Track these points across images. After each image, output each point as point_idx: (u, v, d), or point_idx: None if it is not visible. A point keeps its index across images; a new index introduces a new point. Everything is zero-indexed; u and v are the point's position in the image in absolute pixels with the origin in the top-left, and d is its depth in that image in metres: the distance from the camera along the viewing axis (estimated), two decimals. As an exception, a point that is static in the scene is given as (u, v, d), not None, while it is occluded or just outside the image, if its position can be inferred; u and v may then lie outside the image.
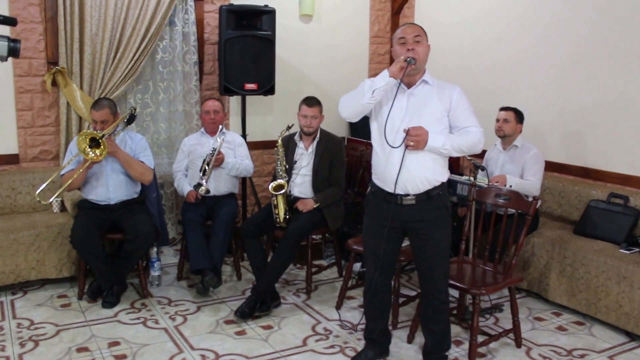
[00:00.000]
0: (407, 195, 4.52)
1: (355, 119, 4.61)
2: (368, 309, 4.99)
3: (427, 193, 4.51)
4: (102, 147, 5.88)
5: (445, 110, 4.49)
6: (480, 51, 7.93)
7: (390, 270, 4.89)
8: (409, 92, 4.51)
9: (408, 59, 4.31)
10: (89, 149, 5.89)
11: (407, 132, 4.37)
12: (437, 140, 4.38)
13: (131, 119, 6.47)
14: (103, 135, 5.88)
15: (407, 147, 4.39)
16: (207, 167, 6.51)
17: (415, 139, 4.35)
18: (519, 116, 6.53)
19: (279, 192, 6.25)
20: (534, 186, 6.26)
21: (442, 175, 4.59)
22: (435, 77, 4.61)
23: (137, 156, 6.30)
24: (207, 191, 6.47)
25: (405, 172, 4.45)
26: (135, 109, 6.55)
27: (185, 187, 6.79)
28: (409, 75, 4.41)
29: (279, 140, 6.44)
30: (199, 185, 6.44)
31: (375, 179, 4.68)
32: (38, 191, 6.02)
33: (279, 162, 6.42)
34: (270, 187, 6.29)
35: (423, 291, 4.83)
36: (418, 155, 4.43)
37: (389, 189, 4.53)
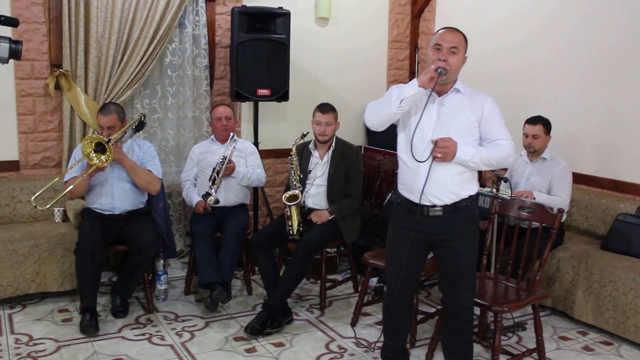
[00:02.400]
0: (434, 206, 4.56)
1: (382, 128, 4.63)
2: (387, 325, 4.99)
3: (455, 205, 4.55)
4: (107, 152, 5.91)
5: (477, 120, 4.53)
6: (503, 57, 7.95)
7: (413, 284, 4.91)
8: (440, 100, 4.55)
9: (439, 70, 4.33)
10: (94, 154, 5.92)
11: (436, 143, 4.41)
12: (466, 153, 4.42)
13: (140, 125, 6.52)
14: (109, 140, 5.92)
15: (434, 158, 4.43)
16: (216, 176, 6.56)
17: (443, 151, 4.39)
18: (547, 127, 6.54)
19: (293, 203, 6.31)
20: (562, 202, 6.28)
21: (470, 188, 4.62)
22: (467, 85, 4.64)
23: (145, 165, 6.37)
24: (217, 201, 6.52)
25: (431, 184, 4.49)
26: (144, 116, 6.59)
27: (194, 197, 6.85)
28: (440, 84, 4.44)
29: (293, 149, 6.49)
30: (208, 195, 6.49)
31: (402, 189, 4.71)
32: (34, 197, 6.04)
33: (292, 172, 6.48)
34: (283, 197, 6.36)
35: (446, 307, 4.86)
36: (445, 167, 4.47)
37: (415, 199, 4.57)
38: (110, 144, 5.91)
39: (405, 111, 4.49)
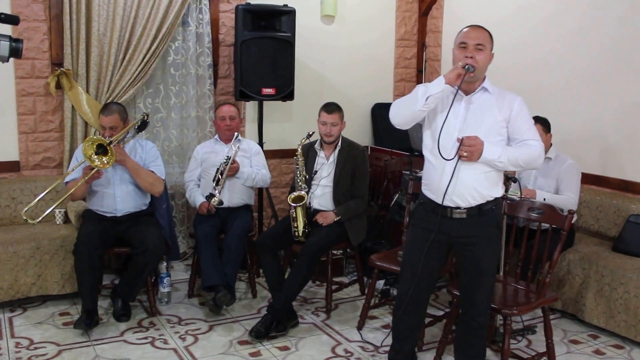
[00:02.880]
0: (458, 208, 4.57)
1: (407, 126, 4.66)
2: (397, 326, 4.98)
3: (479, 207, 4.56)
4: (109, 154, 5.90)
5: (505, 120, 4.53)
6: (511, 51, 7.86)
7: (428, 286, 4.90)
8: (467, 99, 4.56)
9: (466, 66, 4.34)
10: (95, 156, 5.91)
11: (461, 141, 4.41)
12: (492, 152, 4.42)
13: (143, 125, 6.54)
14: (111, 142, 5.91)
15: (460, 157, 4.44)
16: (220, 177, 6.57)
17: (469, 150, 4.39)
18: (545, 126, 6.49)
19: (299, 204, 6.32)
20: (570, 201, 6.28)
21: (495, 190, 4.63)
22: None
23: (148, 165, 6.38)
24: (220, 202, 6.53)
25: (456, 184, 4.49)
26: (147, 115, 6.61)
27: (197, 198, 6.86)
28: (468, 82, 4.45)
29: (299, 149, 6.50)
30: (212, 196, 6.50)
31: (426, 189, 4.73)
32: (25, 210, 5.93)
33: (298, 172, 6.48)
34: (289, 198, 6.36)
35: (462, 311, 4.88)
36: (471, 166, 4.48)
37: (439, 200, 4.57)
38: (111, 145, 5.90)
39: (432, 109, 4.51)
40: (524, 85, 7.66)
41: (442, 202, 4.53)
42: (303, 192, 6.38)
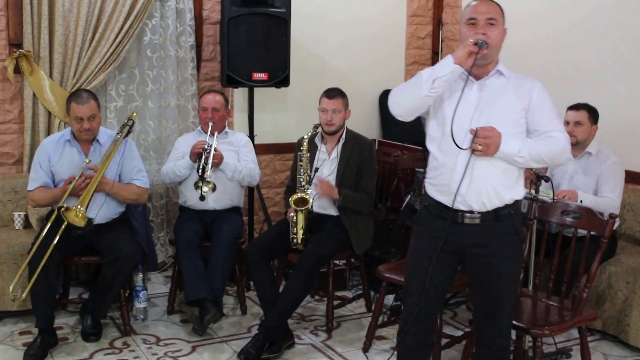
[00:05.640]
0: (471, 212, 4.46)
1: (409, 117, 4.55)
2: (403, 349, 4.89)
3: (496, 212, 4.46)
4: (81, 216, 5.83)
5: (524, 109, 4.43)
6: (539, 25, 7.82)
7: (437, 303, 4.81)
8: (480, 84, 4.45)
9: (479, 42, 4.23)
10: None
11: (475, 133, 4.31)
12: (511, 146, 4.31)
13: (129, 131, 6.45)
14: (89, 221, 5.82)
15: (473, 151, 4.32)
16: (205, 166, 6.46)
17: (484, 142, 4.27)
18: (593, 115, 6.48)
19: (301, 208, 6.26)
20: (612, 205, 6.24)
21: (515, 191, 4.53)
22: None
23: (126, 175, 6.35)
24: (214, 188, 6.43)
25: (469, 183, 4.38)
26: (133, 122, 6.51)
27: (183, 160, 6.79)
28: (479, 64, 4.35)
29: (304, 143, 6.44)
30: (203, 180, 6.34)
31: (432, 190, 4.62)
32: (13, 285, 5.84)
33: (302, 170, 6.40)
34: (290, 200, 6.28)
35: (479, 333, 4.80)
36: (487, 162, 4.37)
37: (449, 202, 4.45)
38: (83, 212, 5.77)
39: (437, 97, 4.42)
40: (555, 66, 7.58)
41: (453, 204, 4.43)
42: (307, 195, 6.30)
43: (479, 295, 4.67)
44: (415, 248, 4.74)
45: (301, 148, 6.43)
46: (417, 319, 4.68)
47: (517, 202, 4.53)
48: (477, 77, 4.43)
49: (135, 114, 6.69)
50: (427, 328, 4.82)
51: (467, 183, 4.37)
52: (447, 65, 4.26)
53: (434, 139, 4.55)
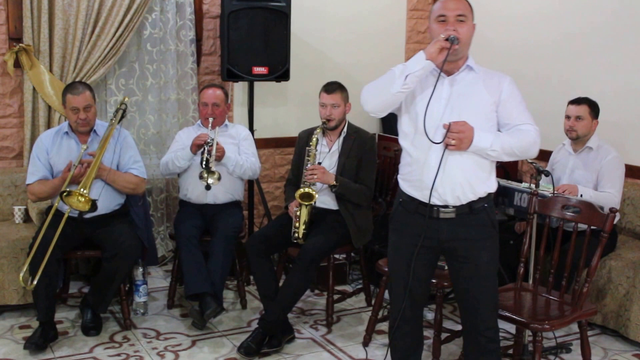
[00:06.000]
0: (446, 207, 4.48)
1: (382, 113, 4.58)
2: (396, 349, 4.91)
3: (470, 206, 4.49)
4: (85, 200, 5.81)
5: (494, 103, 4.46)
6: (540, 26, 7.85)
7: (422, 298, 4.84)
8: (451, 79, 4.48)
9: (450, 37, 4.25)
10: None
11: (448, 127, 4.33)
12: (484, 140, 4.34)
13: (122, 117, 6.44)
14: (94, 203, 5.83)
15: (447, 146, 4.34)
16: (209, 157, 6.45)
17: (458, 136, 4.30)
18: (594, 110, 6.48)
19: (306, 203, 6.26)
20: (612, 200, 6.25)
21: (488, 184, 4.56)
22: (481, 60, 4.56)
23: (124, 165, 6.34)
24: (219, 177, 6.43)
25: (443, 178, 4.40)
26: (125, 107, 6.51)
27: (184, 150, 6.77)
28: (450, 60, 4.36)
29: (314, 137, 6.43)
30: (208, 170, 6.36)
31: (406, 185, 4.63)
32: (22, 272, 5.83)
33: (309, 165, 6.39)
34: (296, 193, 6.26)
35: (466, 327, 4.79)
36: (460, 157, 4.39)
37: (424, 197, 4.48)
38: (87, 194, 5.76)
39: (409, 93, 4.44)
40: (559, 67, 7.60)
41: (430, 199, 4.44)
42: (313, 191, 6.26)
43: (461, 288, 4.68)
44: (395, 245, 4.77)
45: (310, 143, 6.42)
46: (404, 316, 4.72)
47: (490, 195, 4.57)
48: (448, 73, 4.46)
49: (127, 98, 6.73)
50: (415, 323, 4.85)
51: (441, 178, 4.39)
52: (419, 61, 4.29)
53: (407, 135, 4.58)
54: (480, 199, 4.49)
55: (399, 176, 4.70)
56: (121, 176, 6.26)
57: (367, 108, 4.56)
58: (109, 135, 6.17)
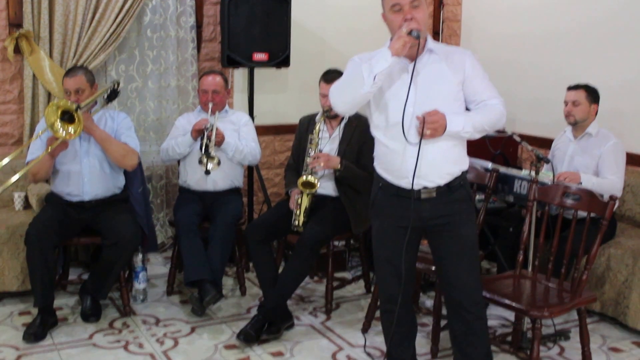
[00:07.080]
0: (425, 188, 4.53)
1: (353, 111, 4.69)
2: (394, 333, 4.89)
3: (448, 185, 4.55)
4: (76, 122, 5.72)
5: (460, 82, 4.51)
6: (541, 16, 7.86)
7: (410, 279, 4.83)
8: (415, 67, 4.45)
9: (413, 33, 4.24)
10: (60, 124, 5.72)
11: (422, 120, 4.35)
12: (456, 124, 4.40)
13: (113, 94, 6.41)
14: (78, 107, 5.76)
15: (422, 136, 4.37)
16: (208, 142, 6.46)
17: (432, 126, 4.34)
18: (592, 95, 6.47)
19: (308, 191, 6.27)
20: (615, 186, 6.26)
21: (462, 163, 4.64)
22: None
23: (119, 137, 6.32)
24: (219, 162, 6.46)
25: (423, 166, 4.45)
26: (118, 84, 6.49)
27: (183, 138, 6.78)
28: (412, 46, 4.36)
29: (318, 125, 6.43)
30: (208, 155, 6.38)
31: (384, 173, 4.68)
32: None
33: (311, 151, 6.40)
34: (298, 181, 6.27)
35: (451, 305, 4.79)
36: (437, 143, 4.44)
37: (404, 184, 4.53)
38: (79, 112, 5.74)
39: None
40: (558, 56, 7.59)
41: (412, 186, 4.48)
42: (315, 179, 6.28)
43: (446, 263, 4.69)
44: (379, 229, 4.80)
45: (314, 130, 6.42)
46: (395, 299, 4.72)
47: (464, 173, 4.64)
48: (410, 58, 4.46)
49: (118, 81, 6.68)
50: (405, 303, 4.83)
51: (419, 165, 4.43)
52: (386, 59, 4.29)
53: (379, 127, 4.63)
54: (456, 177, 4.56)
55: (375, 164, 4.76)
56: (113, 141, 6.19)
57: (339, 110, 4.66)
58: (98, 94, 6.25)
